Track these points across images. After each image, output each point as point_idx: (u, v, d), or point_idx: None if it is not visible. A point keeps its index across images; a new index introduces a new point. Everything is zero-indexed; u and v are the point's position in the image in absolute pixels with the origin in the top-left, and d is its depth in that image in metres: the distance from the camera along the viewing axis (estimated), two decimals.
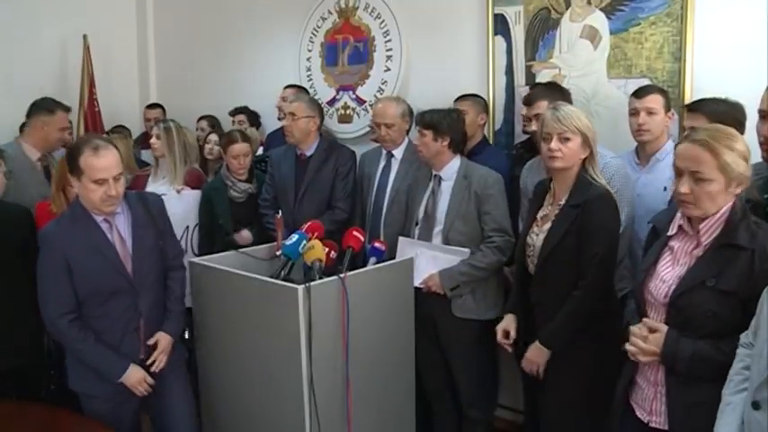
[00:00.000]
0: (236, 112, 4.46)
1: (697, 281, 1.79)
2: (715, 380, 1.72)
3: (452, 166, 2.94)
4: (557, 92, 2.92)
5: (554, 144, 2.30)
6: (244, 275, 2.55)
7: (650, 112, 2.76)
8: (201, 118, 4.60)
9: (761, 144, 2.18)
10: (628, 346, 1.90)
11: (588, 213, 2.26)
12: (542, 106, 2.75)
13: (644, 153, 2.85)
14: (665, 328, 1.83)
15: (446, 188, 2.93)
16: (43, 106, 3.72)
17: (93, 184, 2.28)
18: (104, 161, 2.29)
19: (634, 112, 2.81)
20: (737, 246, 1.76)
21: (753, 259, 1.73)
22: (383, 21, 3.96)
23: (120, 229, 2.41)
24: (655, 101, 2.77)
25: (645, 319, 1.90)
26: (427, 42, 3.81)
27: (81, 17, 4.93)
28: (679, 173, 1.83)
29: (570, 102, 2.81)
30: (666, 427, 1.88)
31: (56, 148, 3.79)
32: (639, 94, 2.82)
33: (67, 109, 3.84)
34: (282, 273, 2.47)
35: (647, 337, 1.84)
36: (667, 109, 2.80)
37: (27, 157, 3.61)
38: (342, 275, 2.39)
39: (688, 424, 1.81)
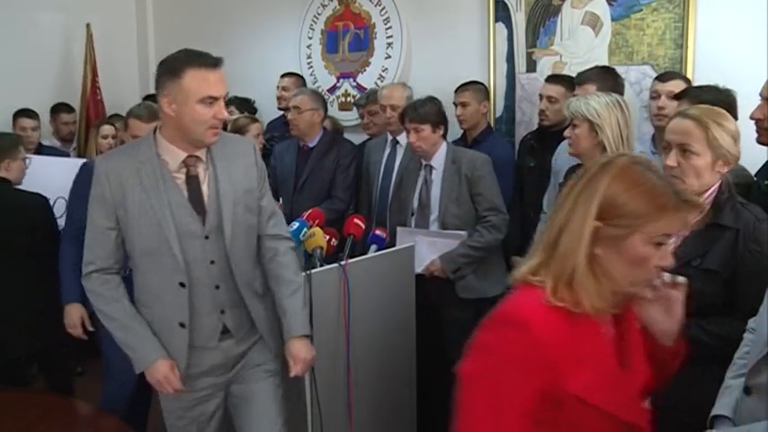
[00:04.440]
0: (227, 104, 4.42)
1: (683, 261, 1.80)
2: (701, 359, 1.73)
3: (441, 154, 2.97)
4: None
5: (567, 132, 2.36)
6: None
7: (671, 97, 2.66)
8: None
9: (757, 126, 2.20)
10: None
11: None
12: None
13: (662, 140, 2.79)
14: None
15: (437, 176, 2.96)
16: None
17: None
18: None
19: (655, 95, 2.75)
20: (722, 225, 1.78)
21: (737, 239, 1.75)
22: (383, 8, 3.94)
23: None
24: (678, 86, 2.68)
25: None
26: (428, 29, 3.79)
27: (84, 5, 4.93)
28: (668, 147, 1.85)
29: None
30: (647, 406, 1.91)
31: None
32: (663, 78, 2.78)
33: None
34: None
35: None
36: None
37: None
38: (343, 263, 2.39)
39: (670, 402, 1.84)
